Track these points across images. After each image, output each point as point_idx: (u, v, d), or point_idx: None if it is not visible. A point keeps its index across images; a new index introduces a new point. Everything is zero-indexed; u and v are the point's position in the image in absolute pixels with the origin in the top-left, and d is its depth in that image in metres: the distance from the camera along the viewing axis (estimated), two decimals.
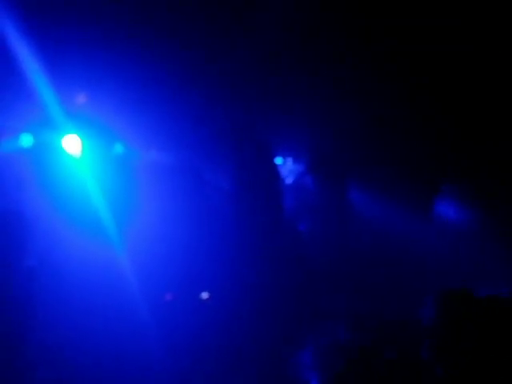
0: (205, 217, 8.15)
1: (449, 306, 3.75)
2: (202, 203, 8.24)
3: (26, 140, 7.48)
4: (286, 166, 8.62)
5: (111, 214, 7.52)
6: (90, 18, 6.31)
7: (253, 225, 7.99)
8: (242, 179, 8.06)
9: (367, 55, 6.85)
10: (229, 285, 7.81)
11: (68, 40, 6.47)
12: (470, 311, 3.69)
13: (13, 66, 6.47)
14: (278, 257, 7.95)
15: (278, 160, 8.49)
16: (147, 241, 7.49)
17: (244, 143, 8.05)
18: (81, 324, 7.14)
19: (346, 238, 8.38)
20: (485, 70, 6.84)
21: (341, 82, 7.14)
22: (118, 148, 7.94)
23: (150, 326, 7.47)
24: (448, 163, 8.13)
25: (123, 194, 7.59)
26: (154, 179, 7.82)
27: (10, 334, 6.73)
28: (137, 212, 7.56)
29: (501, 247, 7.88)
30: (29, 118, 7.25)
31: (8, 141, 7.38)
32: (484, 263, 7.79)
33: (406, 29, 6.52)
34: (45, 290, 7.02)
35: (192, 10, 6.35)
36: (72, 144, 7.52)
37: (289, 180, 8.62)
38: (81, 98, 7.36)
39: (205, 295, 7.95)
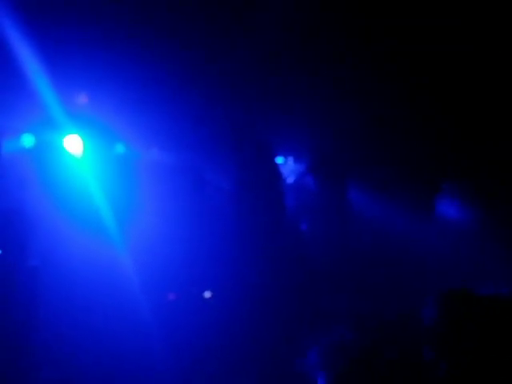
0: (206, 217, 8.15)
1: (450, 305, 3.76)
2: (202, 203, 8.24)
3: (28, 140, 7.49)
4: (286, 165, 8.63)
5: (113, 213, 7.53)
6: (91, 18, 6.31)
7: (254, 225, 7.98)
8: (242, 179, 8.06)
9: (367, 55, 6.85)
10: (230, 284, 7.81)
11: (69, 40, 6.48)
12: (471, 311, 3.69)
13: (14, 67, 6.47)
14: (279, 257, 7.95)
15: (279, 160, 8.51)
16: (149, 240, 7.50)
17: (245, 143, 8.05)
18: (84, 324, 7.16)
19: (347, 237, 8.38)
20: (485, 70, 6.84)
21: (341, 81, 7.14)
22: (119, 148, 7.95)
23: (152, 326, 7.49)
24: (448, 163, 8.14)
25: (124, 193, 7.60)
26: (154, 179, 7.83)
27: (14, 334, 6.76)
28: (138, 212, 7.57)
29: (501, 247, 7.88)
30: (30, 118, 7.27)
31: (10, 141, 7.39)
32: (484, 263, 7.79)
33: (406, 29, 6.52)
34: (47, 289, 7.04)
35: (192, 10, 6.36)
36: (73, 144, 7.54)
37: (290, 180, 8.62)
38: (82, 98, 7.37)
39: (207, 295, 7.96)
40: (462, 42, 6.51)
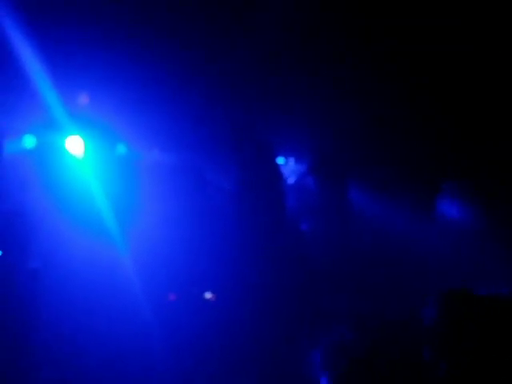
0: (207, 217, 8.16)
1: (450, 305, 3.77)
2: (203, 203, 8.24)
3: (29, 141, 7.49)
4: (287, 166, 8.63)
5: (114, 214, 7.54)
6: (91, 18, 6.32)
7: (255, 225, 7.98)
8: (243, 179, 8.06)
9: (367, 55, 6.85)
10: (231, 285, 7.82)
11: (69, 41, 6.48)
12: (472, 311, 3.70)
13: (15, 68, 6.47)
14: (279, 257, 7.95)
15: (280, 160, 8.51)
16: (150, 241, 7.50)
17: (245, 143, 8.06)
18: (84, 324, 7.16)
19: (347, 237, 8.37)
20: (485, 70, 6.84)
21: (341, 81, 7.14)
22: (121, 149, 7.95)
23: (153, 326, 7.49)
24: (448, 163, 8.14)
25: (126, 194, 7.60)
26: (156, 180, 7.83)
27: (15, 335, 6.76)
28: (139, 213, 7.58)
29: (501, 247, 7.88)
30: (31, 120, 7.27)
31: (11, 142, 7.39)
32: (485, 263, 7.79)
33: (406, 29, 6.53)
34: (48, 290, 7.05)
35: (192, 10, 6.36)
36: (75, 145, 7.54)
37: (291, 180, 8.62)
38: (83, 99, 7.37)
39: (207, 295, 7.97)
40: (462, 41, 6.51)
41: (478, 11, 6.28)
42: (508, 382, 3.61)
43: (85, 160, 7.54)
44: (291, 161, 8.66)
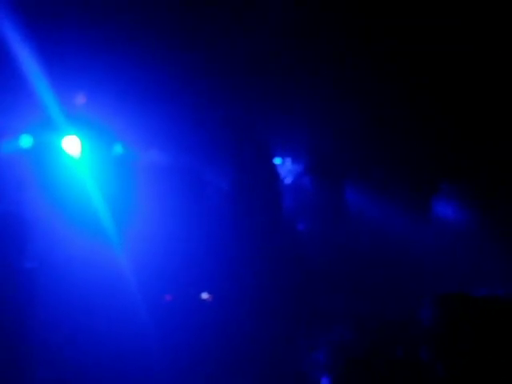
0: (204, 217, 8.16)
1: (447, 306, 3.76)
2: (201, 204, 8.25)
3: (26, 141, 7.48)
4: (284, 166, 8.62)
5: (111, 214, 7.53)
6: (89, 19, 6.31)
7: (252, 225, 7.99)
8: (241, 180, 8.06)
9: (367, 55, 6.83)
10: (228, 285, 7.82)
11: (67, 41, 6.47)
12: (469, 312, 3.69)
13: (13, 68, 6.47)
14: (276, 257, 7.95)
15: (277, 160, 8.49)
16: (146, 241, 7.50)
17: (243, 144, 8.05)
18: (81, 324, 7.16)
19: (344, 238, 8.37)
20: (485, 70, 6.83)
21: (341, 81, 7.13)
22: (118, 149, 7.94)
23: (149, 326, 7.48)
24: (447, 163, 8.13)
25: (122, 194, 7.60)
26: (153, 180, 7.83)
27: (11, 335, 6.76)
28: (136, 213, 7.57)
29: (499, 248, 7.88)
30: (29, 119, 7.26)
31: (8, 142, 7.39)
32: (482, 264, 7.79)
33: (406, 29, 6.51)
34: (45, 290, 7.04)
35: (192, 11, 6.35)
36: (72, 145, 7.53)
37: (288, 180, 8.61)
38: (80, 99, 7.36)
39: (204, 296, 7.96)
40: (462, 41, 6.49)
41: (478, 11, 6.26)
42: (505, 382, 3.58)
43: (81, 160, 7.52)
44: (288, 161, 8.65)
